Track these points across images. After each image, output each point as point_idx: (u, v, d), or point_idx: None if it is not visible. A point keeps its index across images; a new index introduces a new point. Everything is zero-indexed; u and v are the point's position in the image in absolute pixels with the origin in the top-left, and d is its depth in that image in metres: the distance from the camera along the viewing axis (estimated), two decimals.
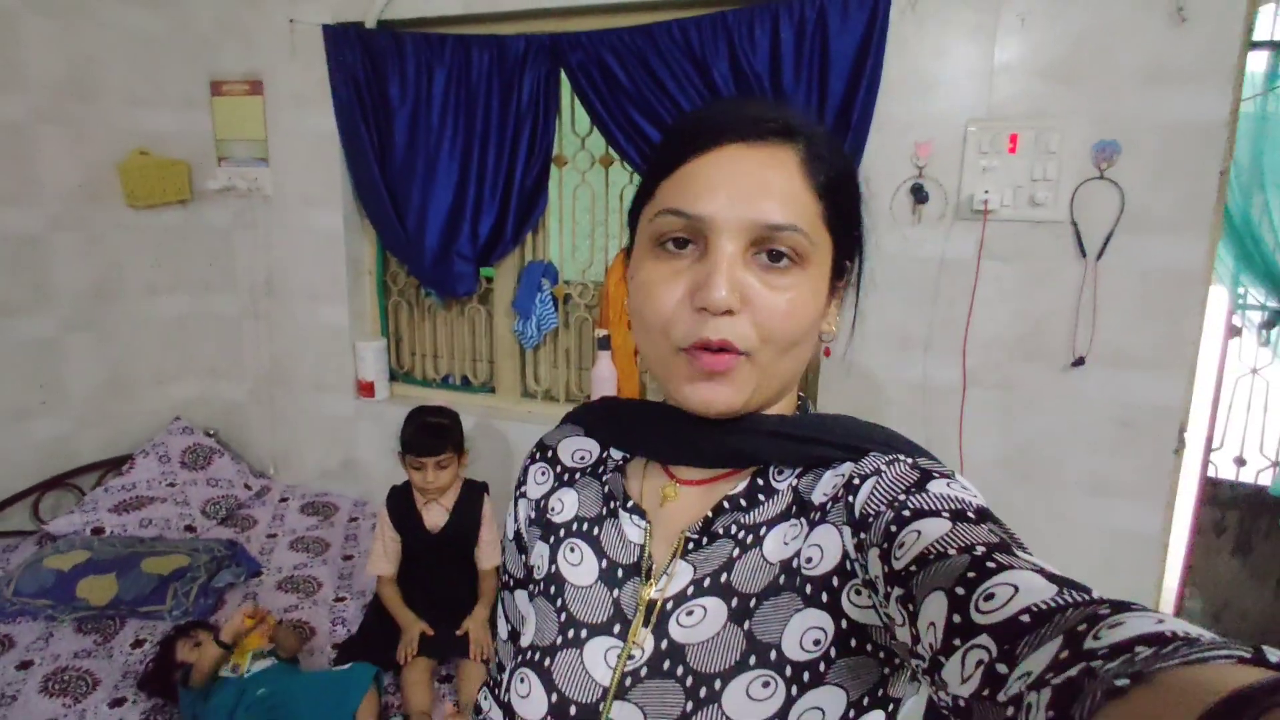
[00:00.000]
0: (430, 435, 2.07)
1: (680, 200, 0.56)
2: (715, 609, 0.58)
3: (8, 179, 2.48)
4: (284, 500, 2.94)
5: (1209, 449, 2.85)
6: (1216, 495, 2.84)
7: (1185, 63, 1.76)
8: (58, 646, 2.03)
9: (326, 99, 2.71)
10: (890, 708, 0.54)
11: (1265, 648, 0.28)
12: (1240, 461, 2.86)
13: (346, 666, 1.86)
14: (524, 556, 0.72)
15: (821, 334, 0.63)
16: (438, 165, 2.58)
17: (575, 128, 2.59)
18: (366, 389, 2.92)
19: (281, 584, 2.39)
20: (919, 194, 2.02)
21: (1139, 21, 1.79)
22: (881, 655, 0.53)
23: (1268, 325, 2.68)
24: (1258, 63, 2.52)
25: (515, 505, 0.74)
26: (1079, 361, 1.93)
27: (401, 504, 2.11)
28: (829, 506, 0.57)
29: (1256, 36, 2.34)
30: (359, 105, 2.65)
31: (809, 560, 0.56)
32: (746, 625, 0.56)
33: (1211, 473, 2.87)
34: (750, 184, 0.55)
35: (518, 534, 0.73)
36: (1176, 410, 1.88)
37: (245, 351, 3.09)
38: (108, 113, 2.75)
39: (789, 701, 0.53)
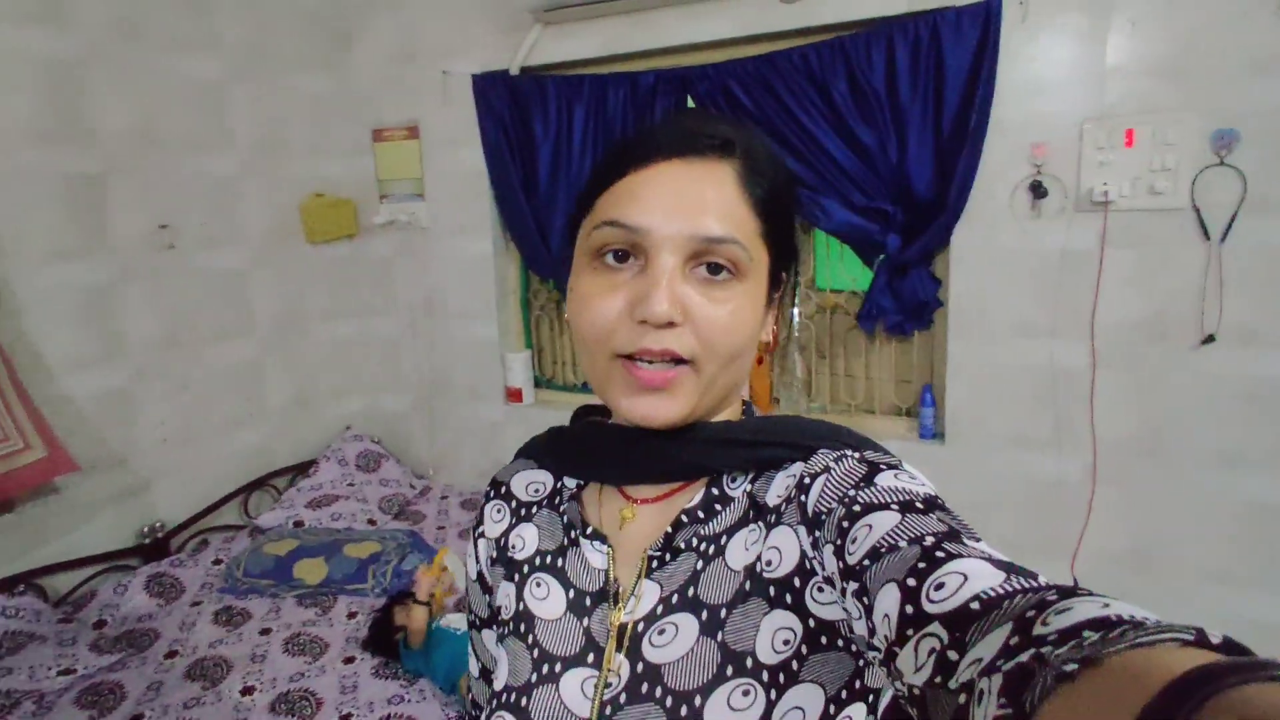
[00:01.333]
0: None
1: (620, 212, 0.56)
2: (686, 625, 0.57)
3: (222, 225, 2.91)
4: (444, 498, 3.27)
5: None
6: None
7: None
8: (287, 617, 2.39)
9: (476, 139, 3.04)
10: (870, 699, 0.54)
11: (1206, 630, 0.29)
12: None
13: None
14: (488, 597, 0.71)
15: (761, 344, 0.63)
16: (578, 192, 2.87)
17: None
18: (515, 395, 3.23)
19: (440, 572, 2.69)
20: (1038, 190, 2.18)
21: (1247, 15, 1.91)
22: (853, 649, 0.53)
23: None
24: None
25: (475, 545, 0.73)
26: (1209, 339, 2.04)
27: None
28: (783, 508, 0.57)
29: None
30: (505, 143, 2.98)
31: (769, 563, 0.56)
32: (719, 636, 0.56)
33: None
34: (688, 199, 0.55)
35: (480, 574, 0.73)
36: None
37: (405, 367, 3.45)
38: (291, 163, 3.17)
39: (769, 706, 0.53)
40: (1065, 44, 2.12)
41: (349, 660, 2.17)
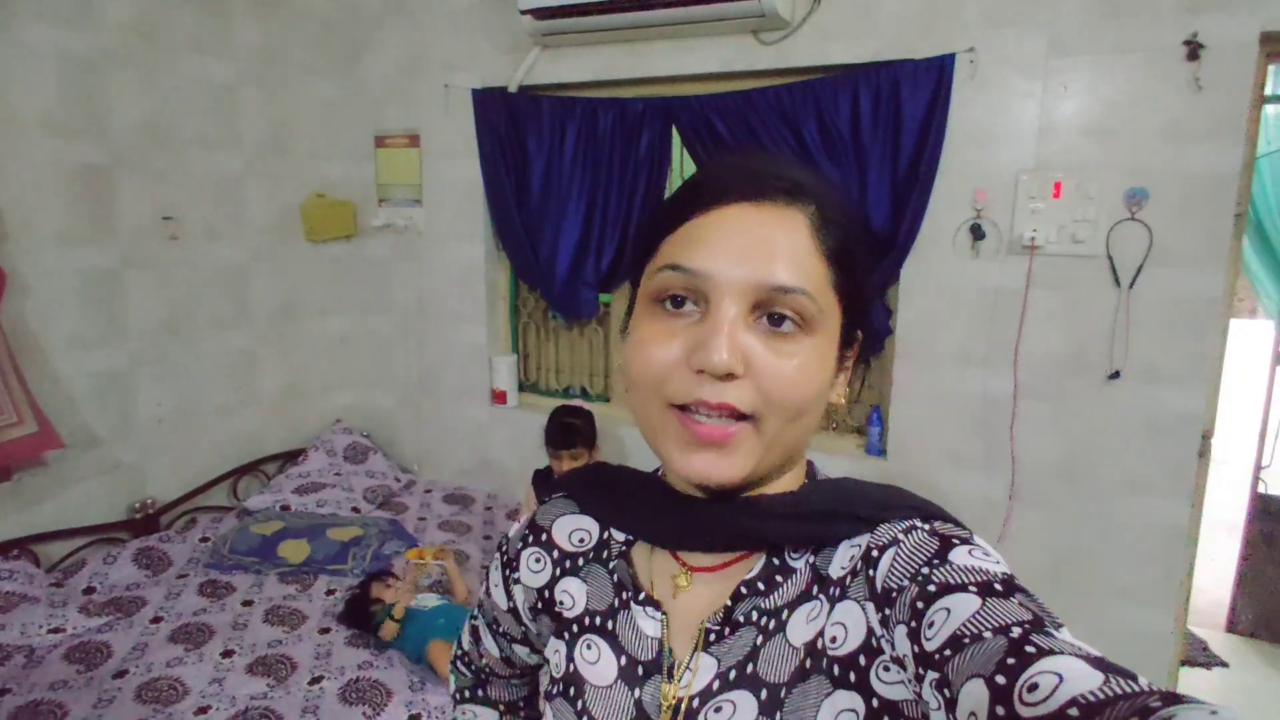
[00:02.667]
0: (564, 432, 2.52)
1: (682, 256, 0.53)
2: (745, 703, 0.55)
3: (227, 220, 3.09)
4: (428, 492, 3.44)
5: (1259, 467, 3.05)
6: (1267, 509, 3.04)
7: (1202, 122, 2.09)
8: (269, 592, 2.56)
9: (473, 150, 3.22)
10: None
11: None
12: None
13: None
14: (523, 628, 0.71)
15: (831, 405, 0.59)
16: (568, 207, 3.07)
17: (684, 176, 3.03)
18: (500, 397, 3.41)
19: (437, 555, 2.85)
20: (977, 232, 2.39)
21: (1163, 89, 2.13)
22: None
23: None
24: None
25: (506, 584, 0.71)
26: (1115, 375, 2.26)
27: (544, 483, 2.57)
28: (848, 581, 0.55)
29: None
30: (501, 156, 3.16)
31: (833, 640, 0.54)
32: (779, 717, 0.54)
33: (1262, 489, 3.07)
34: (756, 244, 0.52)
35: (515, 610, 0.71)
36: (1200, 418, 2.18)
37: (397, 365, 3.63)
38: (295, 164, 3.35)
39: None
40: (1007, 101, 2.33)
41: (325, 630, 2.34)
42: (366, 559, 2.74)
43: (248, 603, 2.49)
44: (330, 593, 2.58)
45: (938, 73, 2.37)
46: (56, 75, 2.50)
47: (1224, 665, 2.92)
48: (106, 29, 2.62)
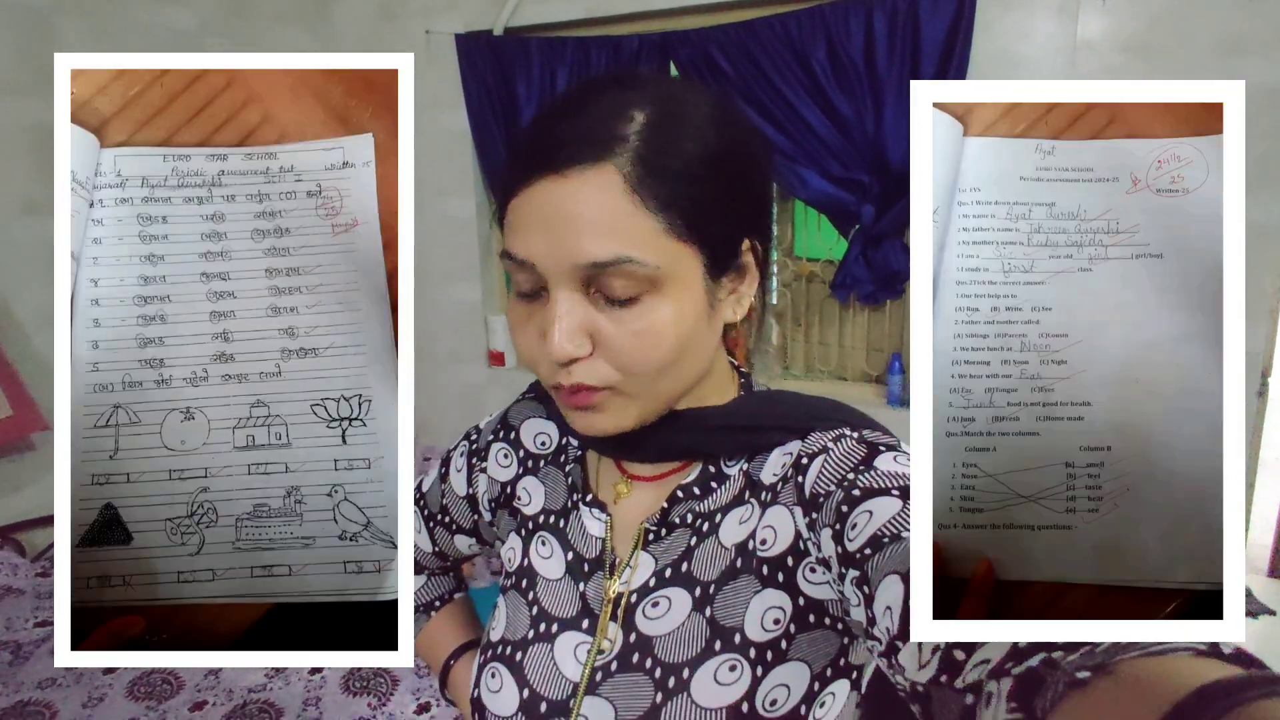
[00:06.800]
0: None
1: (508, 243, 0.52)
2: (679, 599, 0.58)
3: None
4: (426, 459, 3.30)
5: None
6: None
7: (1261, 32, 1.91)
8: None
9: (459, 99, 3.03)
10: (854, 675, 0.55)
11: (1217, 642, 0.29)
12: None
13: None
14: (475, 516, 0.75)
15: (726, 325, 0.58)
16: None
17: None
18: (497, 359, 3.26)
19: None
20: None
21: None
22: (839, 627, 0.54)
23: None
24: None
25: (470, 468, 0.74)
26: None
27: None
28: (779, 487, 0.57)
29: None
30: (489, 104, 2.97)
31: (763, 542, 0.57)
32: (709, 612, 0.57)
33: None
34: (562, 222, 0.49)
35: (473, 498, 0.74)
36: (1258, 356, 2.04)
37: None
38: None
39: (755, 682, 0.54)
40: (1038, 18, 2.14)
41: None
42: None
43: None
44: None
45: None
46: (6, 28, 2.30)
47: (1270, 613, 2.82)
48: None
